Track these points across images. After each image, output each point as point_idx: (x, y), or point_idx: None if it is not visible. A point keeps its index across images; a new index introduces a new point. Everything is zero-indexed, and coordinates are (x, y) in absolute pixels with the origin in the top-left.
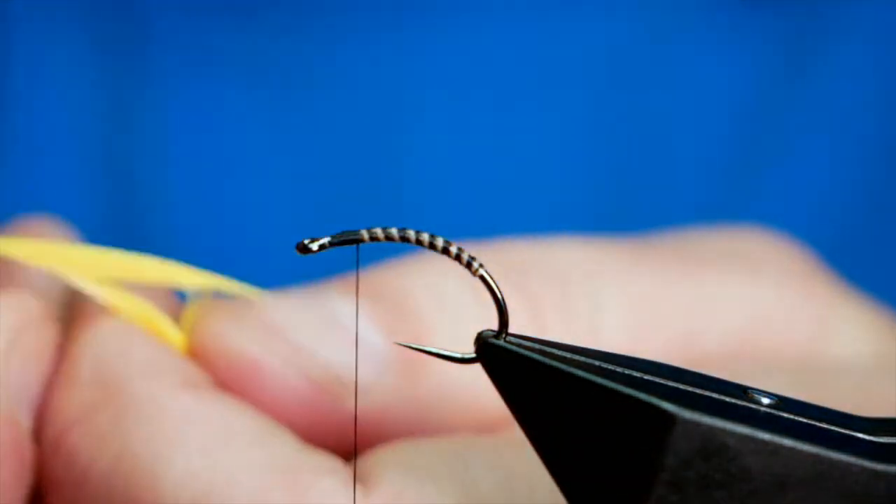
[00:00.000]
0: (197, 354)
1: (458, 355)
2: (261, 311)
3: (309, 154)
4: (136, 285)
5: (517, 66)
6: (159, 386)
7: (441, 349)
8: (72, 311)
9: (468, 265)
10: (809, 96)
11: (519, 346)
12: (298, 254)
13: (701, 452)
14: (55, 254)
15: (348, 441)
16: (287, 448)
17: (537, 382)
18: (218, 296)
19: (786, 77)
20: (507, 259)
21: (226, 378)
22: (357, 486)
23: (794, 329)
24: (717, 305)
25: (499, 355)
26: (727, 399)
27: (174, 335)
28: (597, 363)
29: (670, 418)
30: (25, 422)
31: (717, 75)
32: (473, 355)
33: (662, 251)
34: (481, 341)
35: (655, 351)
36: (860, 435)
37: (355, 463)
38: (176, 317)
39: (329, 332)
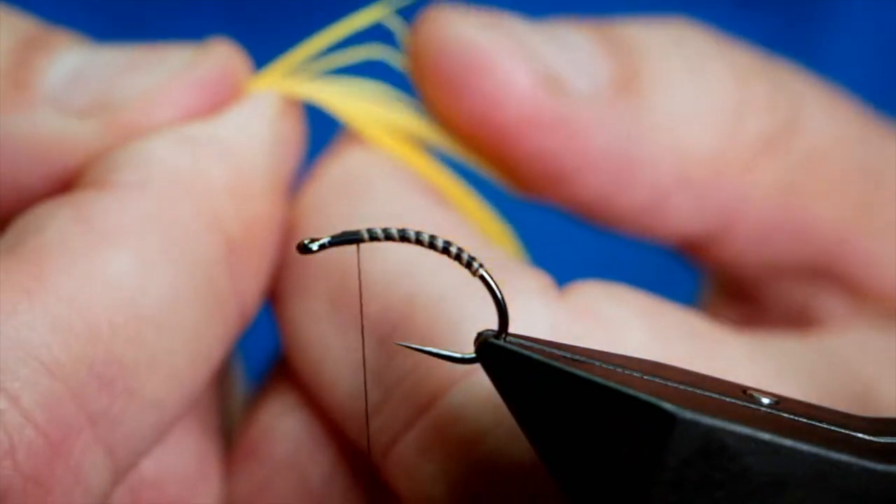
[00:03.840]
0: (421, 55)
1: (458, 355)
2: (488, 13)
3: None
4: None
5: None
6: (395, 185)
7: (440, 349)
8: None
9: (468, 265)
10: None
11: (519, 346)
12: (298, 254)
13: (701, 452)
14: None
15: (559, 155)
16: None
17: (537, 382)
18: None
19: None
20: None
21: (450, 73)
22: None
23: None
24: None
25: (499, 355)
26: (727, 399)
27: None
28: (597, 363)
29: (670, 418)
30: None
31: None
32: (473, 355)
33: None
34: (481, 341)
35: None
36: (860, 435)
37: (369, 457)
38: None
39: (552, 41)
